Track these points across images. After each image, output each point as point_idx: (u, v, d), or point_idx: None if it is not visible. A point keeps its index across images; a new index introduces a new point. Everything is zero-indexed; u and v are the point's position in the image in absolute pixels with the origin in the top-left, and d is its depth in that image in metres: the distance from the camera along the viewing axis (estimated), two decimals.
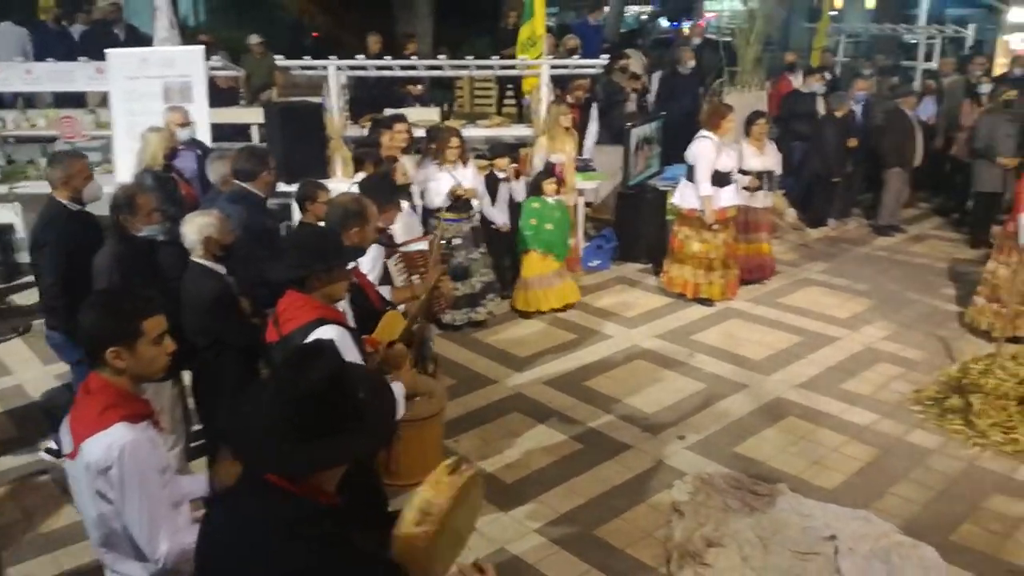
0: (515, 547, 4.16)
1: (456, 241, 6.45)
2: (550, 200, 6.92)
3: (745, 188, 7.32)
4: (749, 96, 9.03)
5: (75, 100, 9.48)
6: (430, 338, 5.30)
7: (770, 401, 5.65)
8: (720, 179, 6.99)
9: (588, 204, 9.08)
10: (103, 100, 9.60)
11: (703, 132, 7.04)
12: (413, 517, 1.91)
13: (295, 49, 10.62)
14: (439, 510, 1.93)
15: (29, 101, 9.84)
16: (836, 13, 21.38)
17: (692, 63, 10.76)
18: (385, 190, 4.24)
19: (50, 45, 10.41)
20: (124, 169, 7.30)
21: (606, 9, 13.38)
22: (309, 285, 2.98)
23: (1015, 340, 6.01)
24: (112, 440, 2.28)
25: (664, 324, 6.96)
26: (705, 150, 6.92)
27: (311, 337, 2.82)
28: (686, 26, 18.58)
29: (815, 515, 4.36)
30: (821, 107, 9.49)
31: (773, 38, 27.08)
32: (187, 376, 4.38)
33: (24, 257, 7.57)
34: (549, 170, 7.18)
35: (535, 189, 6.98)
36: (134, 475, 2.29)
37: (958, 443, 5.03)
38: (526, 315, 7.02)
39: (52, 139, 8.28)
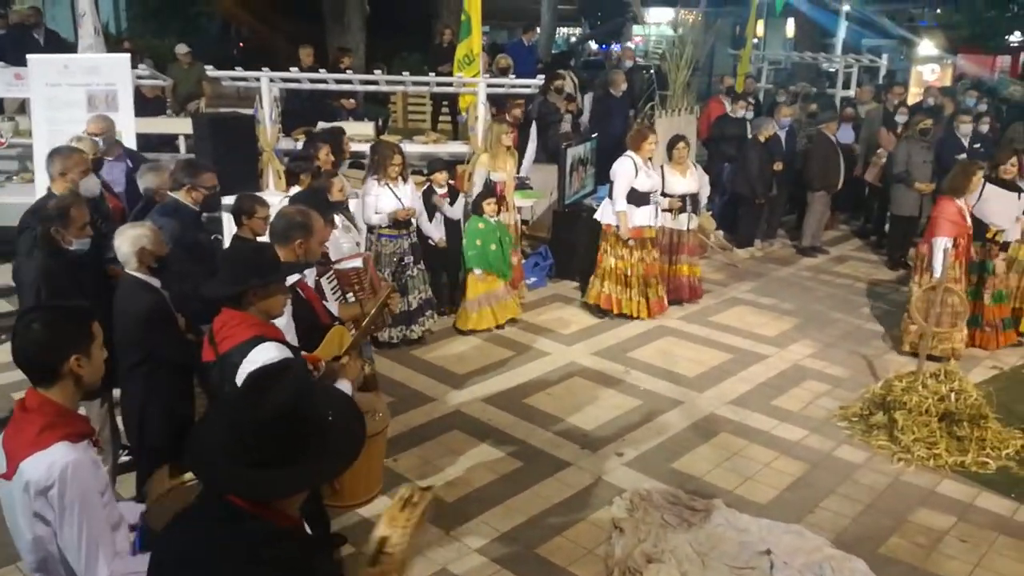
0: (456, 567, 4.11)
1: (407, 259, 6.40)
2: (492, 220, 6.95)
3: (666, 210, 7.48)
4: (679, 120, 9.25)
5: None
6: (369, 355, 5.24)
7: (704, 417, 5.76)
8: (638, 198, 7.15)
9: (524, 222, 9.14)
10: (21, 107, 9.25)
11: (627, 151, 7.23)
12: (371, 557, 1.86)
13: (222, 59, 10.41)
14: (398, 550, 1.88)
15: None
16: (757, 41, 22.22)
17: (624, 86, 10.98)
18: (319, 206, 4.17)
19: None
20: (44, 179, 7.01)
21: (538, 30, 13.54)
22: (245, 301, 2.90)
23: (934, 359, 6.29)
24: (54, 459, 2.20)
25: (600, 341, 7.03)
26: (624, 168, 7.11)
27: (249, 356, 2.75)
28: (616, 49, 18.97)
29: (750, 530, 4.45)
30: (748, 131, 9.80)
31: (699, 63, 28.02)
32: (116, 394, 4.21)
33: None
34: (491, 189, 7.21)
35: (476, 209, 6.99)
36: (76, 496, 2.21)
37: (883, 458, 5.21)
38: (464, 332, 7.00)
39: None
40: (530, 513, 4.59)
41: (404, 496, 2.02)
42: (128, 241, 3.89)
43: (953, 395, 5.25)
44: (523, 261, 8.31)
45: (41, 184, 6.97)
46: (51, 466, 2.18)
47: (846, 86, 13.93)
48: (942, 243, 6.30)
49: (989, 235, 6.77)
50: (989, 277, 6.81)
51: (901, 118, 10.09)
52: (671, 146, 7.64)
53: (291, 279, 3.31)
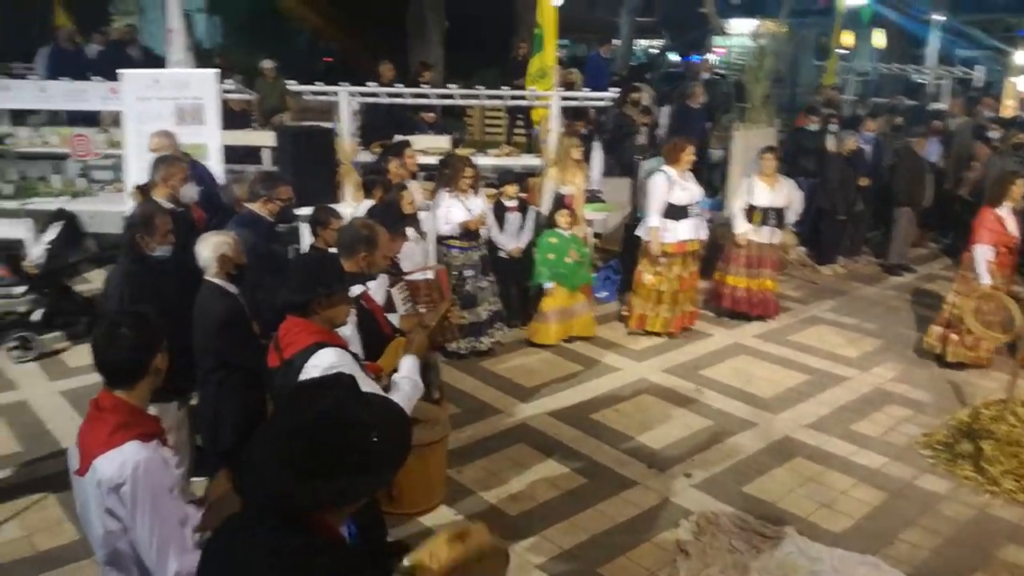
0: None
1: (468, 272, 6.43)
2: (566, 234, 6.92)
3: (748, 223, 7.34)
4: (758, 132, 9.05)
5: (89, 119, 9.54)
6: (437, 367, 5.26)
7: (779, 440, 5.58)
8: (676, 212, 7.02)
9: (597, 235, 9.08)
10: (116, 120, 9.69)
11: (662, 165, 7.13)
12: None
13: (308, 73, 10.70)
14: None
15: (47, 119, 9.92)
16: (846, 52, 21.59)
17: (702, 98, 10.82)
18: (391, 219, 4.23)
19: (65, 64, 10.49)
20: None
21: (616, 43, 13.49)
22: (309, 310, 2.96)
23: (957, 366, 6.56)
24: (125, 458, 2.28)
25: (672, 358, 6.91)
26: (657, 183, 7.02)
27: (311, 360, 2.79)
28: (697, 60, 18.77)
29: (823, 559, 4.28)
30: (832, 144, 9.52)
31: (782, 75, 27.41)
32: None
33: None
34: (560, 201, 7.19)
35: (549, 222, 6.97)
36: (147, 493, 2.28)
37: (969, 489, 4.95)
38: (534, 344, 6.98)
39: (64, 156, 8.32)
40: (593, 531, 4.51)
41: (458, 532, 1.94)
42: (210, 248, 4.03)
43: None
44: (593, 275, 8.24)
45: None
46: (123, 464, 2.25)
47: (936, 99, 13.42)
48: (983, 251, 6.36)
49: None
50: None
51: (994, 133, 9.63)
52: (760, 156, 7.49)
53: (355, 290, 3.35)
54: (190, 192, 5.14)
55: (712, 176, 10.68)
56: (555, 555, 4.30)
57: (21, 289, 6.47)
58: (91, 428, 2.35)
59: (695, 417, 5.88)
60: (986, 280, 6.27)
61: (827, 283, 9.09)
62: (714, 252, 7.98)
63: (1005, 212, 6.53)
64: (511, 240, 6.99)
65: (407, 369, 3.20)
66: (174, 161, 5.21)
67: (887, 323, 7.81)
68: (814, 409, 6.02)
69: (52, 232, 6.68)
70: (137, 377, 2.39)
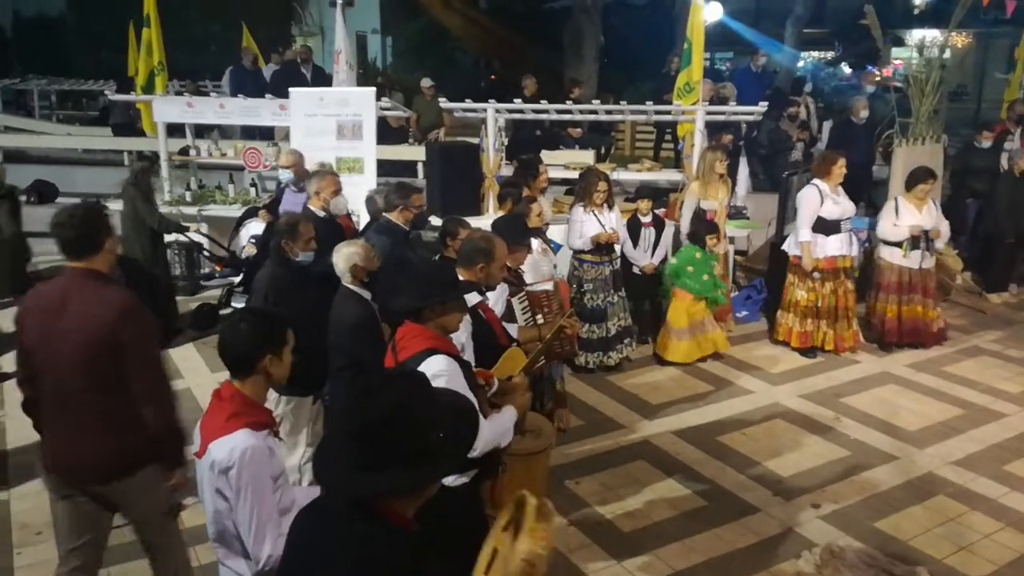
0: None
1: (587, 286, 6.48)
2: (709, 253, 6.86)
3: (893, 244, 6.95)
4: (921, 149, 8.50)
5: (265, 133, 10.40)
6: (557, 378, 5.35)
7: (921, 476, 5.23)
8: (827, 227, 6.77)
9: (740, 253, 8.87)
10: (286, 135, 10.49)
11: (813, 179, 6.93)
12: (518, 569, 1.86)
13: (473, 91, 11.11)
14: (541, 561, 1.88)
15: (224, 132, 10.91)
16: None
17: (865, 113, 10.29)
18: (516, 231, 4.35)
19: (245, 82, 11.48)
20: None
21: (763, 56, 13.10)
22: (424, 316, 3.11)
23: None
24: (235, 444, 2.49)
25: (811, 383, 6.63)
26: (809, 197, 6.80)
27: (422, 365, 2.94)
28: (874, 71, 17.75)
29: None
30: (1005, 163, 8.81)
31: (965, 89, 25.45)
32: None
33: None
34: (702, 217, 7.08)
35: (697, 239, 6.89)
36: (250, 478, 2.48)
37: None
38: (663, 361, 6.91)
39: (239, 168, 9.10)
40: (709, 555, 4.42)
41: (535, 505, 1.97)
42: (343, 258, 4.33)
43: None
44: (735, 294, 8.05)
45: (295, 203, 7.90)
46: (232, 450, 2.47)
47: None
48: None
49: None
50: None
51: None
52: (917, 180, 7.05)
53: (471, 299, 3.49)
54: (341, 203, 5.52)
55: (875, 195, 10.13)
56: (666, 575, 4.25)
57: (238, 278, 7.18)
58: (211, 415, 2.60)
59: (830, 446, 5.62)
60: None
61: (995, 312, 8.40)
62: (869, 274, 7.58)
63: None
64: (644, 256, 6.97)
65: (504, 417, 3.22)
66: (326, 175, 5.64)
67: None
68: (964, 446, 5.60)
69: (256, 226, 7.33)
70: (247, 371, 2.61)
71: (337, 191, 5.60)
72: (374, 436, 1.79)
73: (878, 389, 6.56)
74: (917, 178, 7.04)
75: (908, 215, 6.95)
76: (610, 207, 6.56)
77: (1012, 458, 5.42)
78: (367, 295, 4.38)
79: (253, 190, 8.99)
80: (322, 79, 11.64)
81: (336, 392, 4.35)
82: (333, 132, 8.21)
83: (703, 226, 6.92)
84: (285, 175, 6.72)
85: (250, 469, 2.47)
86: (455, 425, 1.86)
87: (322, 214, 5.46)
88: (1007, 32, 21.93)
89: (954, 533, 4.61)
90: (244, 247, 7.35)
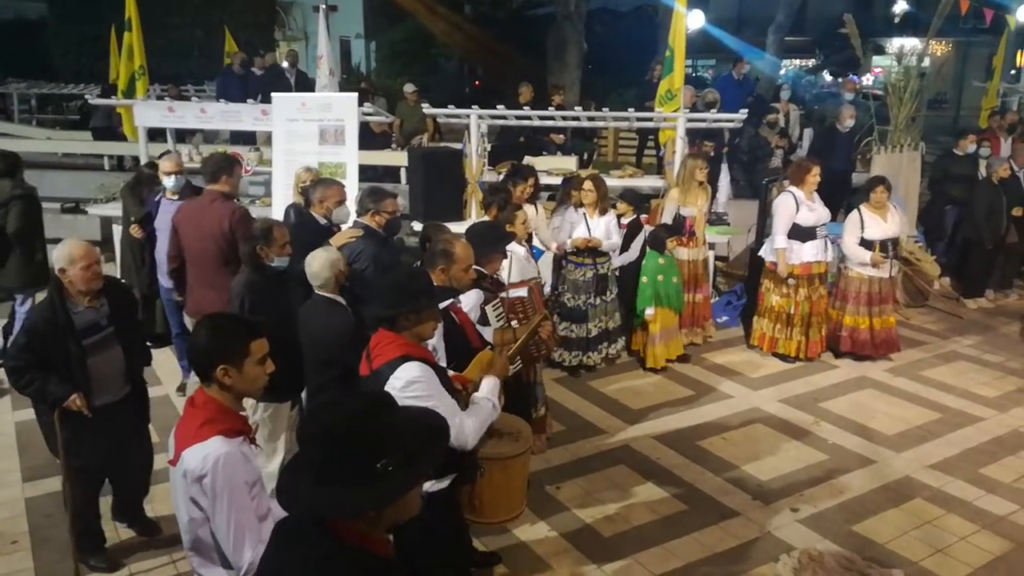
0: None
1: (567, 286, 6.51)
2: (671, 256, 6.87)
3: (872, 265, 6.97)
4: (900, 157, 8.61)
5: (249, 138, 10.35)
6: (540, 383, 5.35)
7: (897, 480, 5.27)
8: (803, 234, 6.86)
9: (721, 259, 8.92)
10: (268, 139, 10.46)
11: (788, 186, 7.02)
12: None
13: (456, 97, 11.14)
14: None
15: (208, 137, 10.87)
16: (1015, 72, 20.07)
17: (851, 121, 10.37)
18: (490, 238, 4.35)
19: (231, 87, 11.44)
20: (280, 202, 7.88)
21: (747, 64, 13.20)
22: (399, 324, 3.09)
23: None
24: (208, 451, 2.47)
25: (790, 388, 6.68)
26: (784, 204, 6.89)
27: (396, 372, 2.94)
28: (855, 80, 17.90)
29: None
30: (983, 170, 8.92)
31: (946, 96, 25.75)
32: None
33: None
34: (679, 224, 7.12)
35: (657, 244, 6.89)
36: (225, 486, 2.46)
37: None
38: (649, 369, 6.94)
39: None
40: (688, 559, 4.44)
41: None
42: (328, 265, 4.22)
43: None
44: (715, 299, 8.10)
45: (278, 207, 7.87)
46: (206, 457, 2.45)
47: None
48: None
49: None
50: None
51: None
52: (868, 189, 7.09)
53: (446, 302, 3.49)
54: (344, 213, 5.45)
55: (854, 201, 10.21)
56: None
57: None
58: (184, 422, 2.58)
59: (808, 450, 5.66)
60: None
61: (972, 317, 8.49)
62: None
63: None
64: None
65: (487, 390, 3.29)
66: (331, 184, 5.59)
67: None
68: (940, 450, 5.65)
69: None
70: (206, 379, 2.58)
71: (342, 201, 5.46)
72: (325, 448, 1.78)
73: (856, 393, 6.61)
74: (870, 187, 7.11)
75: (873, 225, 6.99)
76: (602, 212, 6.59)
77: (988, 461, 5.48)
78: (343, 302, 4.34)
79: None
80: (306, 84, 11.65)
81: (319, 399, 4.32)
82: (315, 137, 8.16)
83: (664, 231, 6.88)
84: (171, 182, 6.13)
85: (224, 476, 2.45)
86: (411, 451, 1.83)
87: (323, 222, 5.39)
88: (985, 41, 22.29)
89: (930, 536, 4.65)
90: None
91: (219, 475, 2.44)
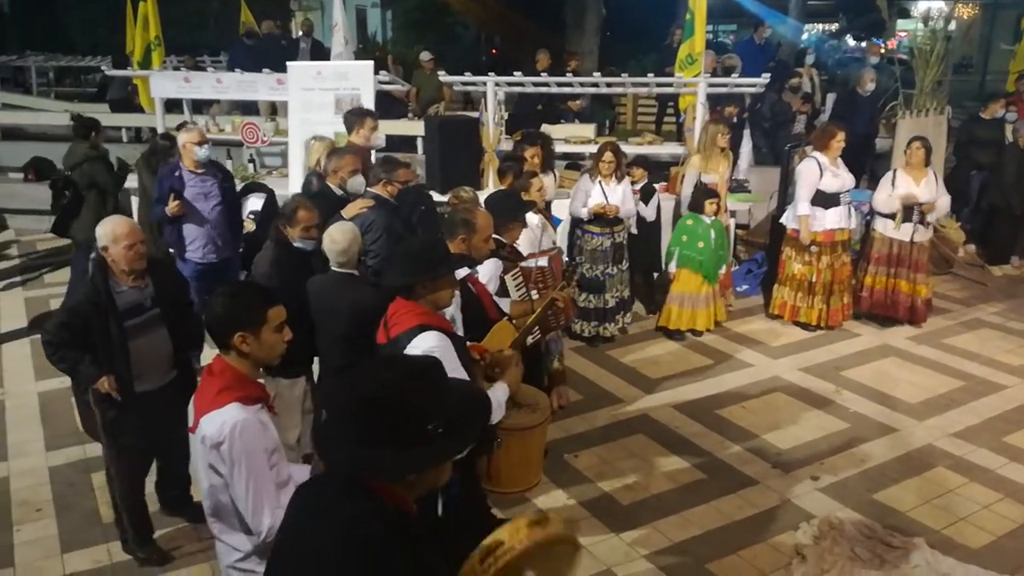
0: (621, 570, 4.08)
1: (584, 256, 6.46)
2: (706, 219, 6.76)
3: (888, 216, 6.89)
4: (925, 121, 8.42)
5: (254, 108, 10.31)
6: (554, 354, 5.33)
7: (919, 448, 5.23)
8: (826, 200, 6.74)
9: (742, 227, 8.82)
10: (274, 109, 10.42)
11: (812, 152, 6.90)
12: (479, 555, 1.86)
13: (473, 65, 10.99)
14: (506, 555, 1.85)
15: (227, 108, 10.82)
16: None
17: (872, 85, 10.18)
18: (509, 206, 4.31)
19: (239, 58, 11.34)
20: (297, 173, 7.87)
21: (769, 30, 12.95)
22: (415, 293, 3.08)
23: None
24: (225, 418, 2.47)
25: (811, 357, 6.62)
26: (808, 170, 6.77)
27: (413, 342, 2.92)
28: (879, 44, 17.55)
29: (953, 575, 4.01)
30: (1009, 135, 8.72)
31: (972, 60, 25.17)
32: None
33: None
34: (707, 190, 7.04)
35: (696, 206, 6.84)
36: (242, 452, 2.47)
37: None
38: (668, 333, 6.91)
39: (238, 144, 9.03)
40: (707, 527, 4.44)
41: (538, 517, 1.95)
42: (351, 240, 4.09)
43: None
44: (735, 267, 8.02)
45: (295, 178, 7.86)
46: (223, 424, 2.46)
47: None
48: None
49: None
50: None
51: None
52: (907, 147, 6.99)
53: (460, 273, 3.46)
54: (359, 183, 5.39)
55: (877, 167, 10.05)
56: (663, 547, 4.27)
57: None
58: (202, 389, 2.58)
59: (829, 419, 5.62)
60: None
61: (997, 284, 8.36)
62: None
63: None
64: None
65: (497, 393, 3.19)
66: (344, 154, 5.51)
67: None
68: (963, 418, 5.60)
69: (256, 202, 7.09)
70: (224, 346, 2.58)
71: (356, 170, 5.36)
72: (367, 414, 1.76)
73: (878, 362, 6.55)
74: (908, 144, 7.00)
75: (904, 186, 6.88)
76: (618, 180, 6.51)
77: (1012, 430, 5.42)
78: (359, 275, 4.28)
79: (251, 166, 8.93)
80: (321, 53, 11.54)
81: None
82: (331, 106, 8.12)
83: (702, 194, 6.85)
84: (202, 152, 5.89)
85: (242, 442, 2.45)
86: (455, 417, 1.82)
87: (340, 193, 5.32)
88: (1014, 3, 21.69)
89: (952, 504, 4.62)
90: (242, 222, 7.25)
91: (236, 442, 2.45)
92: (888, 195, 6.90)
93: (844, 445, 5.28)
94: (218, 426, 2.45)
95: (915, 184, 6.85)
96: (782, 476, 4.93)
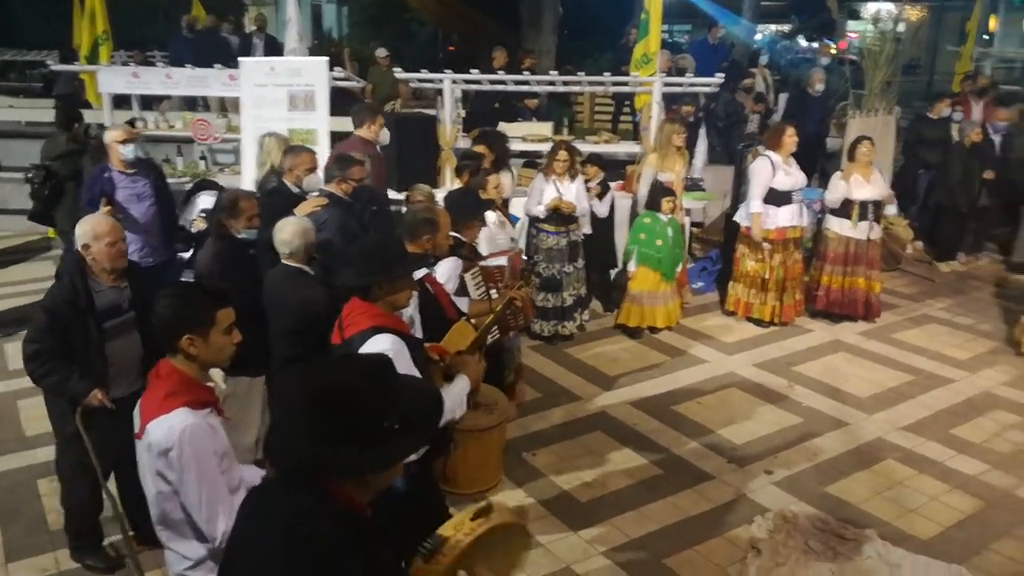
0: (580, 567, 4.09)
1: (541, 255, 6.46)
2: (663, 217, 6.82)
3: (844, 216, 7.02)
4: (874, 121, 8.60)
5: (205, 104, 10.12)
6: (513, 349, 5.33)
7: (870, 441, 5.33)
8: (778, 198, 6.86)
9: (697, 225, 8.91)
10: (223, 104, 10.23)
11: (764, 151, 7.02)
12: (425, 554, 1.88)
13: (430, 63, 10.92)
14: (453, 550, 1.88)
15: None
16: (989, 37, 20.09)
17: (821, 85, 10.35)
18: (468, 204, 4.29)
19: (185, 50, 11.10)
20: (249, 170, 7.73)
21: (722, 31, 13.13)
22: (372, 293, 3.04)
23: None
24: (173, 423, 2.41)
25: (765, 352, 6.71)
26: (761, 168, 6.88)
27: (367, 343, 2.88)
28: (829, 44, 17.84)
29: (903, 566, 4.09)
30: (956, 134, 8.95)
31: (920, 61, 25.76)
32: None
33: None
34: (663, 188, 7.09)
35: (652, 205, 6.90)
36: (192, 457, 2.41)
37: None
38: (626, 331, 6.95)
39: (188, 140, 8.85)
40: (664, 522, 4.47)
41: (481, 507, 2.01)
42: (300, 233, 4.09)
43: None
44: (691, 265, 8.09)
45: (247, 176, 7.72)
46: (171, 429, 2.39)
47: None
48: None
49: None
50: None
51: None
52: (852, 147, 7.13)
53: (419, 273, 3.43)
54: (315, 181, 5.34)
55: (828, 166, 10.24)
56: (621, 543, 4.29)
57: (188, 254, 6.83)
58: (149, 393, 2.51)
59: (783, 414, 5.70)
60: None
61: (945, 281, 8.58)
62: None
63: None
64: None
65: (456, 389, 3.17)
66: (302, 151, 5.48)
67: (1006, 324, 7.27)
68: (912, 411, 5.72)
69: (207, 200, 6.91)
70: (171, 349, 2.51)
71: (312, 168, 5.37)
72: (319, 410, 1.73)
73: (829, 357, 6.67)
74: (855, 143, 7.16)
75: (856, 186, 7.01)
76: (572, 178, 6.52)
77: (959, 422, 5.56)
78: (312, 272, 4.24)
79: (203, 163, 8.76)
80: (275, 49, 11.37)
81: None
82: (285, 103, 8.00)
83: (658, 193, 6.90)
84: (128, 151, 5.73)
85: (191, 448, 2.39)
86: (408, 416, 1.79)
87: (296, 190, 5.28)
88: (959, 5, 22.22)
89: (902, 496, 4.72)
90: (193, 221, 7.11)
91: (186, 447, 2.39)
92: (840, 193, 7.02)
93: (797, 439, 5.36)
94: (166, 432, 2.39)
95: (864, 182, 6.98)
96: (737, 471, 4.99)
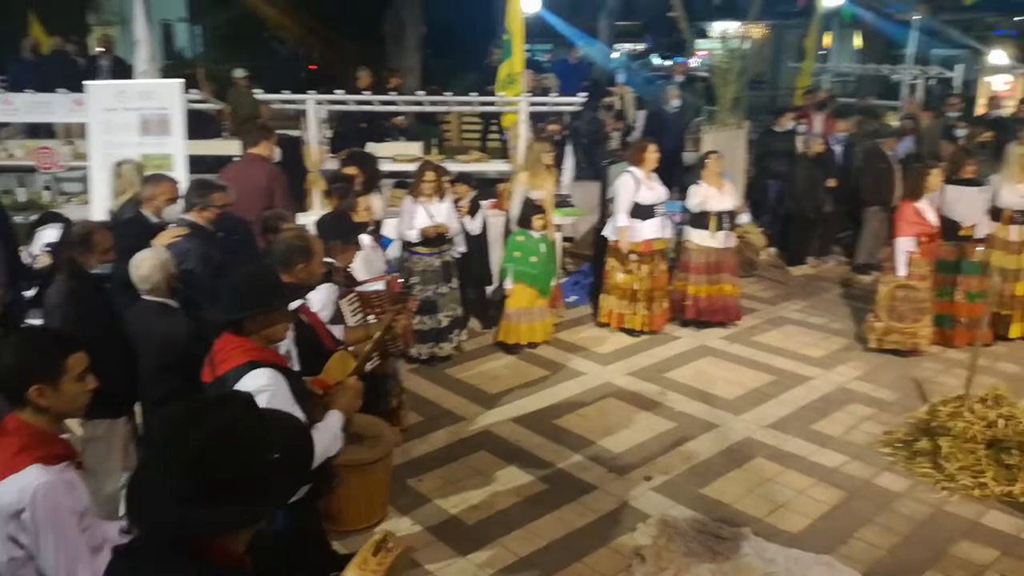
0: None
1: (416, 278, 6.43)
2: (535, 235, 6.92)
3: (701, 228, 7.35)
4: (726, 135, 9.07)
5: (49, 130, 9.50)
6: (394, 374, 5.25)
7: (740, 441, 5.58)
8: (643, 212, 7.14)
9: (568, 240, 9.10)
10: (69, 131, 9.63)
11: (627, 166, 7.31)
12: None
13: (290, 82, 10.66)
14: None
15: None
16: (824, 53, 21.63)
17: (677, 101, 10.83)
18: (341, 229, 4.20)
19: (29, 75, 10.40)
20: (99, 200, 7.28)
21: (581, 51, 13.56)
22: (246, 328, 2.88)
23: (899, 353, 6.92)
24: (25, 483, 2.22)
25: (637, 361, 6.91)
26: (624, 184, 7.15)
27: (242, 381, 2.75)
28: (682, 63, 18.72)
29: (777, 561, 4.29)
30: (800, 146, 9.55)
31: (763, 77, 27.42)
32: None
33: None
34: (534, 206, 7.19)
35: (524, 222, 6.98)
36: (48, 518, 2.23)
37: (927, 487, 4.96)
38: (505, 348, 6.99)
39: (30, 169, 8.27)
40: (551, 537, 4.50)
41: (377, 540, 1.98)
42: (159, 267, 3.90)
43: (1002, 421, 4.96)
44: (564, 279, 8.25)
45: (97, 206, 7.27)
46: (23, 489, 2.20)
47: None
48: (903, 243, 6.76)
49: (962, 232, 6.98)
50: (963, 277, 7.01)
51: (961, 132, 9.68)
52: (702, 161, 7.52)
53: (294, 304, 3.31)
54: (175, 211, 5.10)
55: (685, 179, 10.69)
56: (510, 563, 4.29)
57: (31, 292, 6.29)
58: None
59: (657, 420, 5.88)
60: (902, 272, 6.78)
61: (797, 284, 9.12)
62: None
63: (924, 204, 6.82)
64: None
65: (331, 422, 3.03)
66: (160, 180, 5.24)
67: (855, 322, 7.81)
68: (775, 410, 6.03)
69: (52, 233, 6.42)
70: (19, 401, 2.32)
71: (173, 199, 5.14)
72: (201, 468, 1.61)
73: (697, 362, 6.94)
74: (703, 158, 7.55)
75: (712, 198, 7.36)
76: (441, 198, 6.51)
77: (818, 418, 5.90)
78: (175, 305, 4.04)
79: (47, 193, 8.19)
80: (123, 71, 10.80)
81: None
82: (136, 127, 7.61)
83: (530, 210, 7.02)
84: None
85: (46, 507, 2.21)
86: (288, 447, 1.71)
87: (155, 220, 5.03)
88: (798, 24, 23.80)
89: (772, 493, 4.95)
90: (38, 256, 6.59)
91: (40, 507, 2.20)
92: (700, 199, 7.34)
93: (672, 444, 5.54)
94: (17, 492, 2.20)
95: (718, 192, 7.35)
96: (618, 479, 5.10)
